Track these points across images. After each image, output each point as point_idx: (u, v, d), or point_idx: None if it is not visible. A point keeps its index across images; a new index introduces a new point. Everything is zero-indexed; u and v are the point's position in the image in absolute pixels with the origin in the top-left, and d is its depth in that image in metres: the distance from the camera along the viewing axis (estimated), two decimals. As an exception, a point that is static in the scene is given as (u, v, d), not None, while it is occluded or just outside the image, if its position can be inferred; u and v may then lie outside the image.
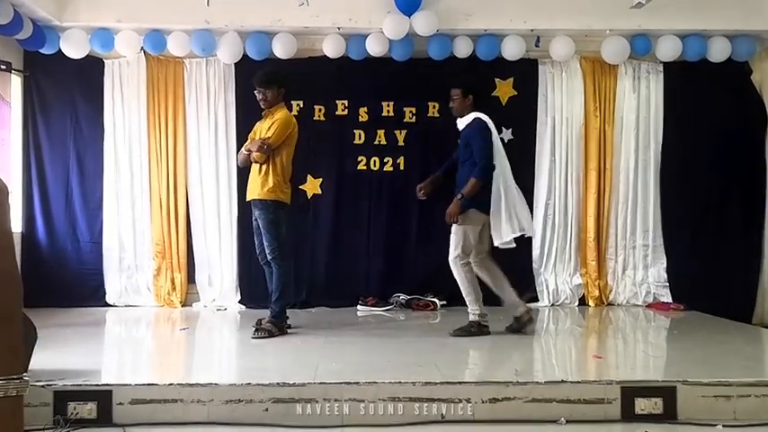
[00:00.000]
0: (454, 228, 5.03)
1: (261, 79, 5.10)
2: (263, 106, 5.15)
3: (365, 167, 6.61)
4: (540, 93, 6.68)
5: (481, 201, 4.95)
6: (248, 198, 5.18)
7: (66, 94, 6.57)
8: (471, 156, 4.93)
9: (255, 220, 5.18)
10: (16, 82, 6.45)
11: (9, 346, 1.28)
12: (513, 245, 5.06)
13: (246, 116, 6.58)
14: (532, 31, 6.39)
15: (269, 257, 5.08)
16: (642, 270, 6.76)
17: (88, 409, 3.38)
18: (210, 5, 5.31)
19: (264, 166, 5.02)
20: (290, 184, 5.24)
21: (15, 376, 1.27)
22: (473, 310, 5.02)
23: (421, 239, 6.72)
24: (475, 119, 5.01)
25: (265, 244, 5.07)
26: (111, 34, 6.29)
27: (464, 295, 5.06)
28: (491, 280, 5.08)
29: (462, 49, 6.38)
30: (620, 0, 5.91)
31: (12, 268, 1.29)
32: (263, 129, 5.09)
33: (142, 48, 6.39)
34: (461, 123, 5.07)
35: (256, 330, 4.98)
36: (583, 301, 6.71)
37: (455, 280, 6.68)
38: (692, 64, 6.57)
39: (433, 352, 4.47)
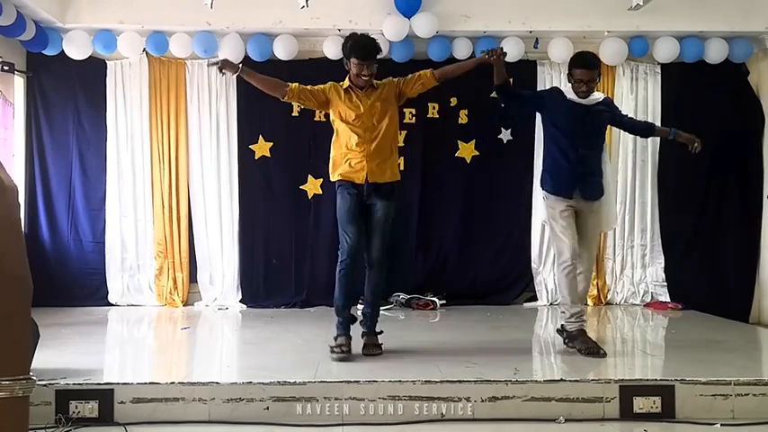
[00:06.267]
0: (600, 230, 4.65)
1: (378, 50, 4.30)
2: (366, 83, 4.33)
3: (366, 168, 6.61)
4: (540, 94, 6.69)
5: None
6: (378, 180, 4.37)
7: (68, 95, 6.60)
8: (605, 134, 4.71)
9: (353, 207, 4.36)
10: (19, 83, 6.49)
11: (15, 347, 1.30)
12: None
13: (248, 116, 6.64)
14: (531, 32, 6.42)
15: (380, 261, 4.37)
16: (640, 269, 6.78)
17: (90, 408, 3.41)
18: (212, 7, 5.33)
19: (395, 144, 4.50)
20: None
21: (22, 377, 1.29)
22: None
23: (421, 239, 6.75)
24: (606, 96, 4.78)
25: (381, 248, 4.35)
26: (114, 35, 6.32)
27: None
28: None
29: (462, 51, 6.41)
30: (618, 2, 5.94)
31: (22, 270, 1.31)
32: (379, 100, 4.35)
33: (144, 49, 6.43)
34: (593, 100, 4.48)
35: (368, 347, 4.37)
36: (581, 301, 6.73)
37: (454, 280, 6.76)
38: (690, 65, 6.59)
39: (433, 351, 4.49)
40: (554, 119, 4.50)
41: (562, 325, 4.56)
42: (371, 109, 4.35)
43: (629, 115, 5.12)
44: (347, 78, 4.40)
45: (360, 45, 4.26)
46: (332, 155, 4.52)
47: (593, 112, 4.45)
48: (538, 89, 6.62)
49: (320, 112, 6.52)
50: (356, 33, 4.39)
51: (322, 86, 4.46)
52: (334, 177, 4.50)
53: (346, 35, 4.45)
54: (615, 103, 6.66)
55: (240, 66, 4.31)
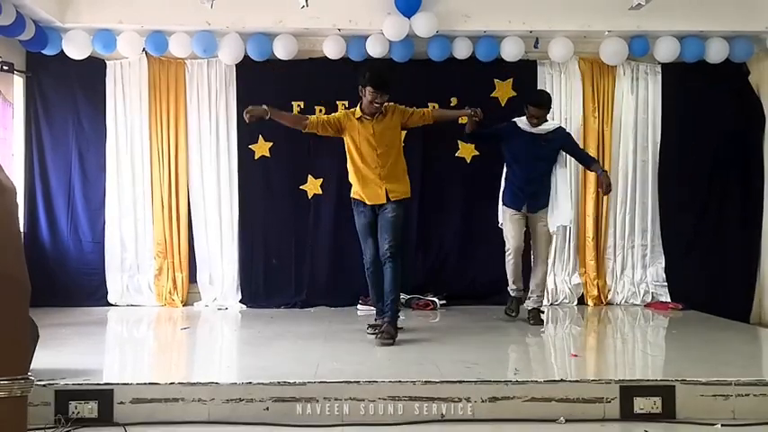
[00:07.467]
0: (548, 231, 5.57)
1: (391, 83, 4.80)
2: (377, 110, 4.79)
3: (365, 167, 6.61)
4: (540, 94, 6.70)
5: None
6: (395, 198, 4.86)
7: (68, 95, 6.60)
8: (556, 156, 5.51)
9: (368, 223, 4.94)
10: (19, 83, 6.48)
11: (14, 347, 1.30)
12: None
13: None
14: (531, 32, 6.42)
15: (391, 253, 4.79)
16: (641, 270, 6.79)
17: (89, 409, 3.40)
18: (212, 7, 5.32)
19: (403, 163, 5.03)
20: None
21: (20, 377, 1.28)
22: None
23: (421, 239, 6.75)
24: (560, 125, 5.76)
25: (391, 241, 4.79)
26: (113, 35, 6.32)
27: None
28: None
29: (462, 51, 6.41)
30: (619, 1, 5.93)
31: (19, 272, 1.30)
32: (389, 127, 4.87)
33: (144, 49, 6.42)
34: (543, 130, 5.43)
35: (380, 334, 4.72)
36: (582, 301, 6.73)
37: (454, 280, 6.77)
38: (691, 65, 6.59)
39: (433, 351, 4.49)
40: (510, 147, 5.54)
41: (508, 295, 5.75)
42: (382, 135, 4.85)
43: (581, 147, 6.13)
44: (358, 107, 4.84)
45: (376, 75, 4.72)
46: (349, 176, 5.01)
47: (544, 140, 5.43)
48: (538, 87, 6.66)
49: (320, 111, 6.54)
50: (375, 63, 5.00)
51: (336, 115, 4.98)
52: (353, 194, 5.02)
53: (366, 66, 4.95)
54: (615, 103, 6.74)
55: (268, 110, 4.73)
